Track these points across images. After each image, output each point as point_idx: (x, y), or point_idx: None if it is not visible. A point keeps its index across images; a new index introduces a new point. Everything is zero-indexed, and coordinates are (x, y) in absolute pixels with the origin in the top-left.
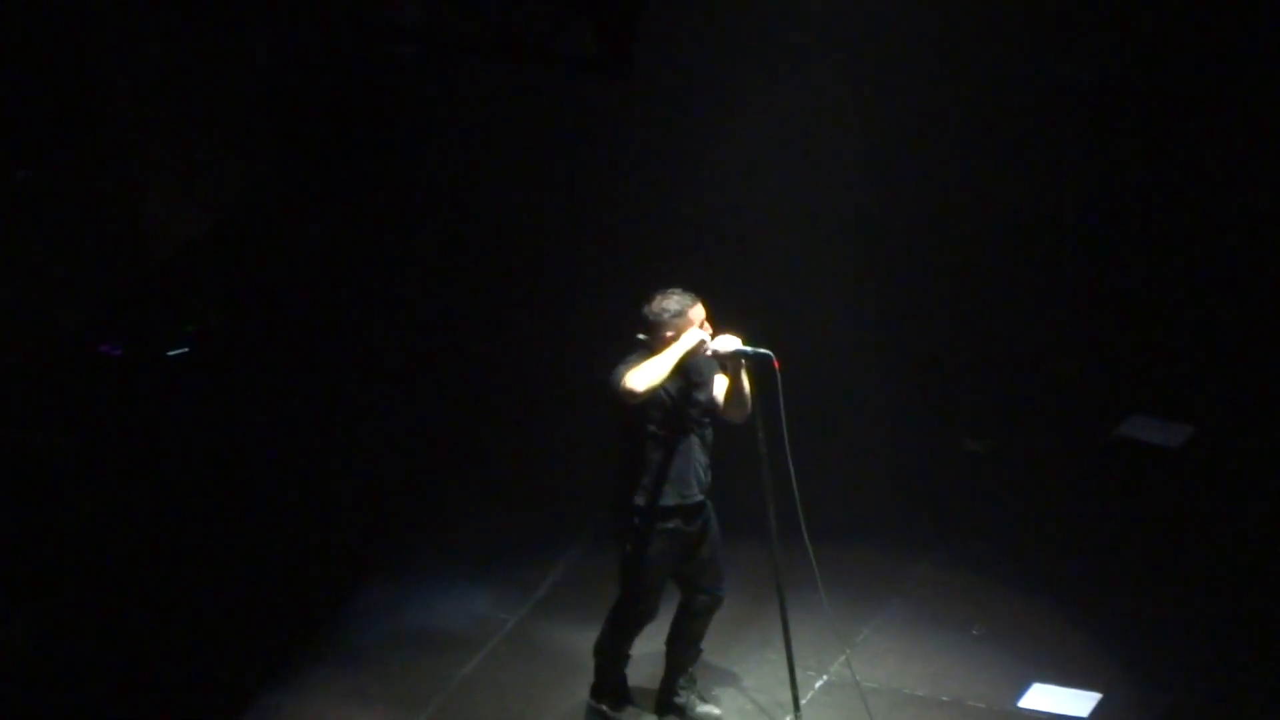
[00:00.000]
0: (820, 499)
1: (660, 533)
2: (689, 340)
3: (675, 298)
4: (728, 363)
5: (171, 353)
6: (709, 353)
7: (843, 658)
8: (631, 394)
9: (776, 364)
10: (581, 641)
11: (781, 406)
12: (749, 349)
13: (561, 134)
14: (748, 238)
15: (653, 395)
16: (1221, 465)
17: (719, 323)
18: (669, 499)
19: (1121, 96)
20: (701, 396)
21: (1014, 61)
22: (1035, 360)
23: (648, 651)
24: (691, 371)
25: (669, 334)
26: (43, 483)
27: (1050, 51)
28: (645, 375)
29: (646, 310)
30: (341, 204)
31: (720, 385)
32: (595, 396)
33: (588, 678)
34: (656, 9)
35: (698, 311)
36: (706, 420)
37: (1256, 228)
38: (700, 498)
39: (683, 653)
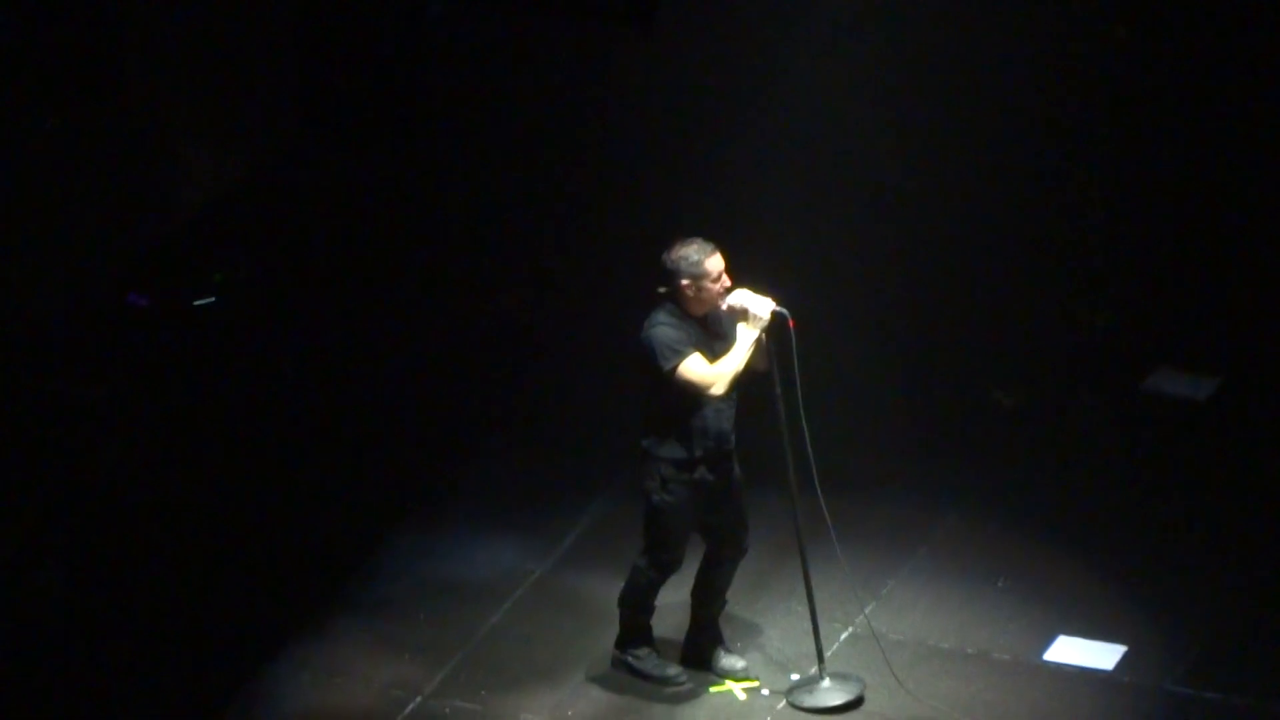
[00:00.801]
0: (847, 452)
1: (685, 484)
2: (759, 322)
3: (695, 246)
4: (747, 315)
5: (199, 302)
6: (725, 308)
7: (868, 609)
8: (714, 391)
9: (792, 323)
10: (607, 593)
11: (795, 363)
12: (780, 309)
13: (590, 87)
14: (773, 192)
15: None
16: (1249, 417)
17: (738, 274)
18: (695, 450)
19: (1153, 49)
20: (722, 347)
21: (1045, 16)
22: (1063, 312)
23: (672, 603)
24: (713, 323)
25: (686, 282)
26: (71, 431)
27: (1087, 6)
28: (726, 373)
29: (665, 258)
30: (370, 154)
31: (741, 334)
32: (623, 347)
33: (613, 629)
34: None
35: (716, 261)
36: None
37: None
38: (725, 449)
39: (708, 604)
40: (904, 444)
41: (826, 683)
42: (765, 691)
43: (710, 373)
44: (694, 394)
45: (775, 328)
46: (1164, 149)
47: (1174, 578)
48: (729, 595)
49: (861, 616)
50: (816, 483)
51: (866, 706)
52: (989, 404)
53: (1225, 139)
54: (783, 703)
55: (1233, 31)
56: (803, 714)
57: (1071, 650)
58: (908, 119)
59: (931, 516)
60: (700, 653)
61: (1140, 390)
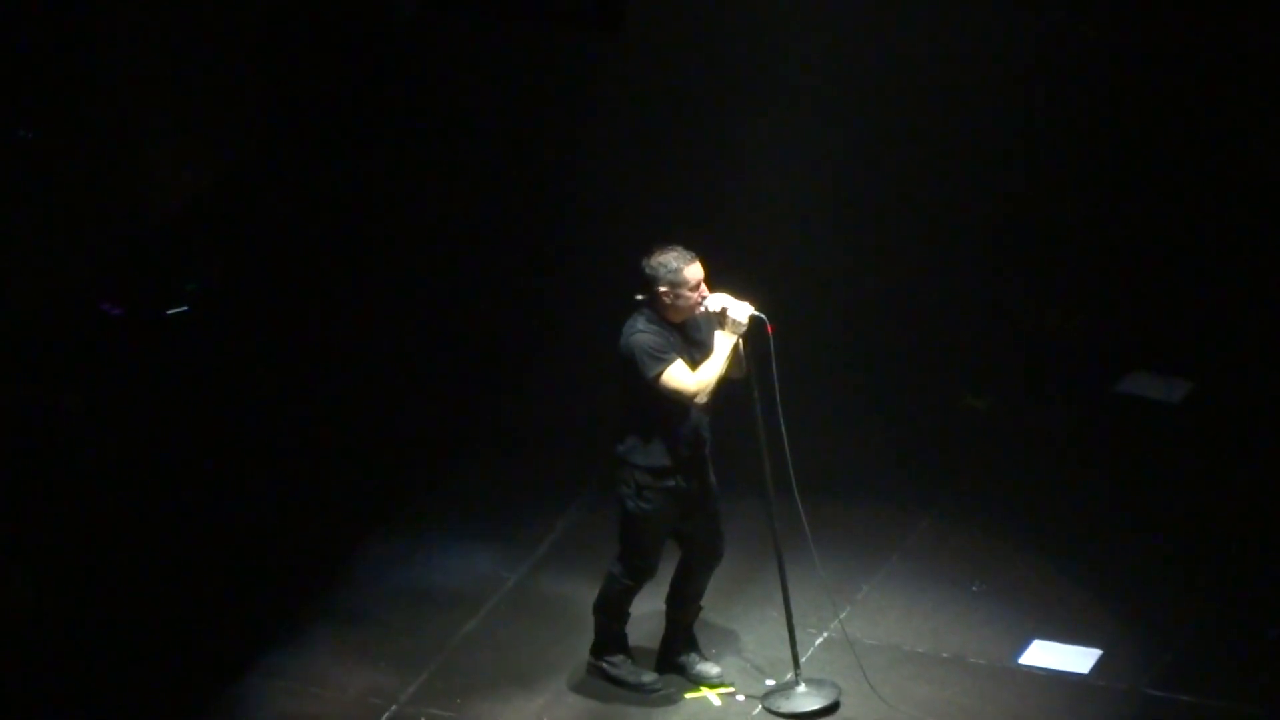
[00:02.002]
0: (820, 456)
1: (660, 491)
2: (737, 327)
3: (674, 253)
4: (725, 321)
5: (172, 311)
6: (703, 311)
7: (843, 615)
8: (696, 399)
9: (770, 328)
10: (582, 600)
11: (774, 368)
12: (758, 314)
13: (561, 93)
14: (745, 195)
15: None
16: (1222, 420)
17: (715, 281)
18: (669, 457)
19: (1124, 51)
20: (700, 354)
21: (1017, 13)
22: (1035, 315)
23: (648, 610)
24: (691, 329)
25: (664, 289)
26: (45, 439)
27: (1058, 9)
28: (708, 380)
29: (644, 264)
30: (341, 160)
31: (719, 340)
32: (598, 354)
33: (588, 636)
34: None
35: (695, 269)
36: None
37: (1259, 181)
38: (701, 456)
39: (682, 610)
40: (877, 449)
41: (802, 688)
42: (740, 697)
43: (693, 380)
44: (676, 401)
45: (753, 332)
46: (1136, 153)
47: (1148, 581)
48: (704, 601)
49: (836, 622)
50: (794, 488)
51: (842, 712)
52: (962, 408)
53: (1198, 143)
54: (758, 708)
55: (1206, 38)
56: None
57: (1046, 654)
58: (882, 123)
59: (905, 521)
60: (675, 659)
61: (1113, 393)
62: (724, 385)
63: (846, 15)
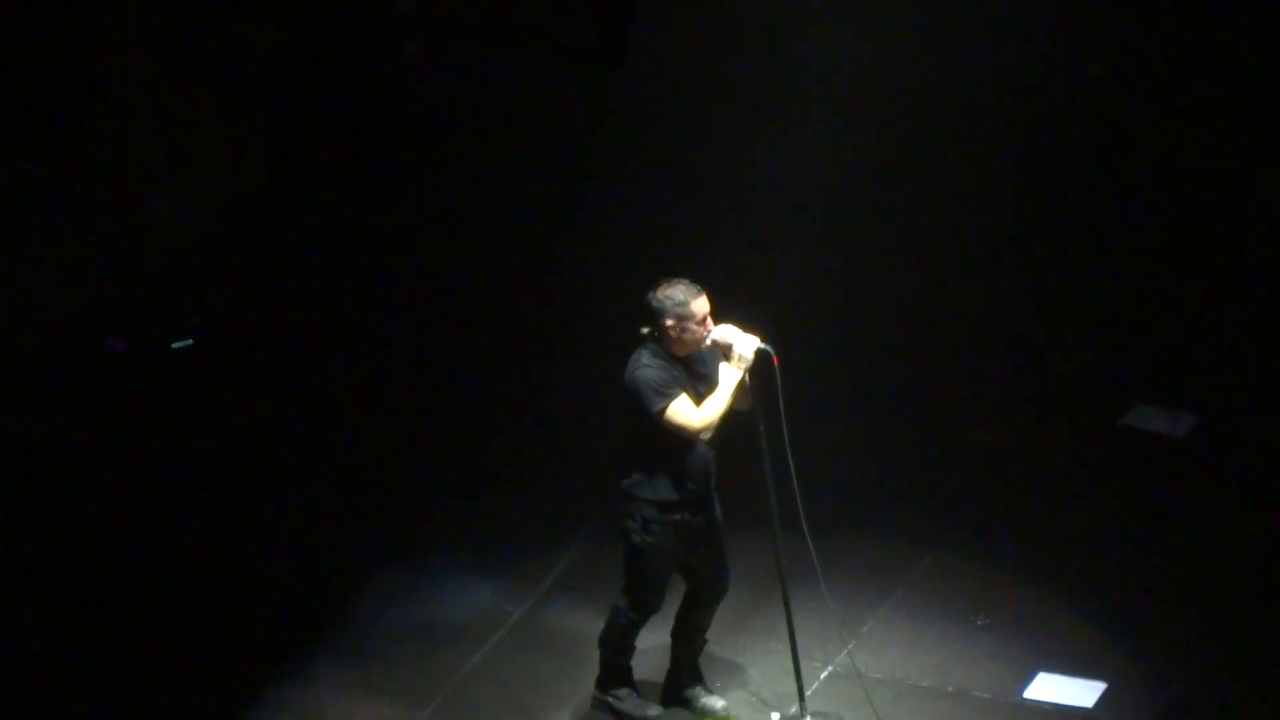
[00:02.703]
0: (826, 490)
1: (665, 524)
2: (743, 362)
3: (680, 287)
4: (731, 354)
5: (176, 345)
6: (709, 343)
7: (848, 648)
8: (701, 434)
9: (776, 360)
10: (587, 633)
11: (781, 401)
12: (764, 346)
13: (563, 123)
14: (749, 227)
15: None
16: (1227, 454)
17: (719, 314)
18: (675, 491)
19: (1128, 86)
20: (705, 388)
21: (1021, 52)
22: (1040, 349)
23: (653, 644)
24: (696, 363)
25: (670, 322)
26: (49, 475)
27: (1058, 43)
28: (713, 415)
29: (650, 298)
30: (345, 195)
31: (725, 374)
32: (602, 389)
33: (593, 670)
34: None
35: (701, 303)
36: None
37: (1262, 216)
38: (706, 490)
39: (688, 644)
40: (883, 482)
41: None
42: None
43: (698, 415)
44: (681, 436)
45: (759, 365)
46: (1140, 185)
47: (1154, 615)
48: (709, 635)
49: (842, 655)
50: (803, 521)
51: None
52: (967, 442)
53: (1205, 177)
54: None
55: (1207, 72)
56: None
57: (1051, 687)
58: (885, 156)
59: (911, 554)
60: (681, 693)
61: (1118, 427)
62: (730, 418)
63: (848, 48)
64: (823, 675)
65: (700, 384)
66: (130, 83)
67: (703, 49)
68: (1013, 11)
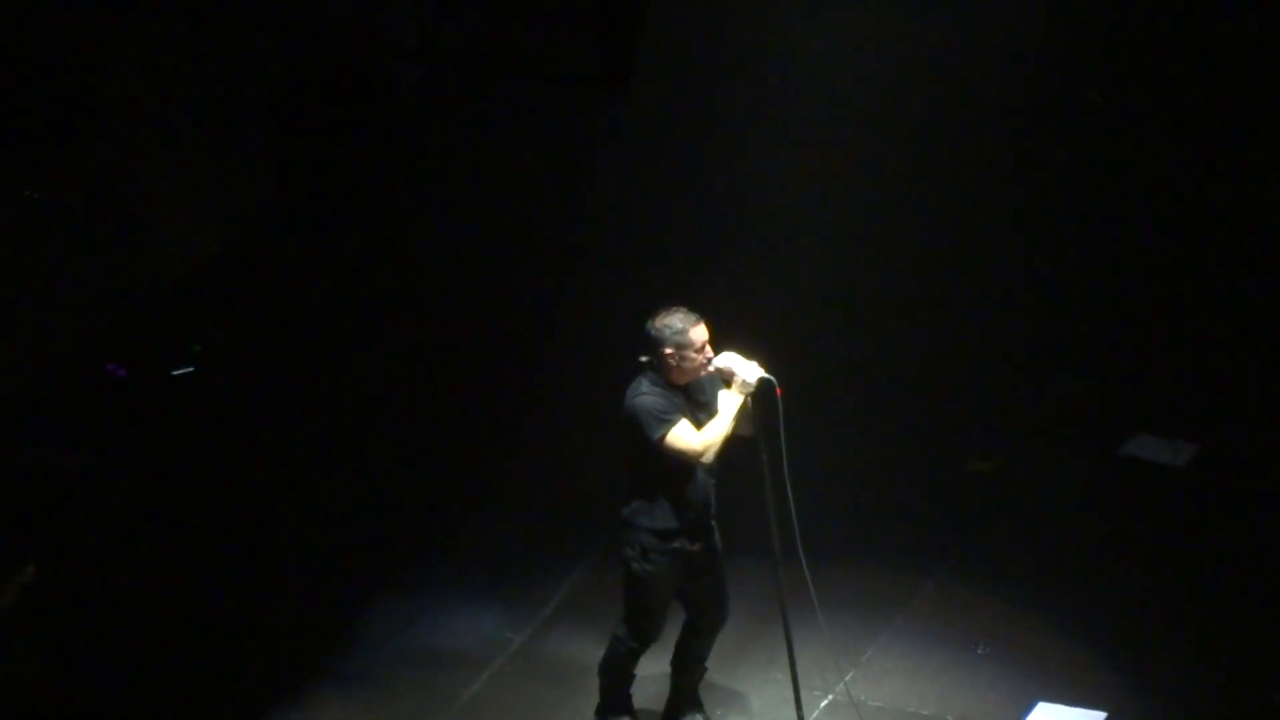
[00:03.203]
0: (826, 518)
1: (666, 553)
2: (745, 388)
3: (679, 315)
4: (733, 380)
5: (177, 372)
6: (712, 369)
7: (848, 677)
8: (703, 458)
9: (779, 390)
10: (587, 661)
11: (782, 431)
12: (767, 375)
13: (565, 150)
14: (749, 256)
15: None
16: (1227, 484)
17: (720, 340)
18: (675, 519)
19: (1127, 113)
20: (705, 416)
21: (1024, 80)
22: (1040, 379)
23: (653, 672)
24: (695, 390)
25: (669, 351)
26: (50, 501)
27: (1062, 72)
28: (714, 441)
29: (649, 327)
30: (347, 221)
31: (726, 400)
32: (603, 416)
33: (593, 698)
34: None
35: (700, 331)
36: None
37: (1263, 247)
38: (706, 518)
39: (688, 672)
40: (883, 510)
41: None
42: None
43: (698, 441)
44: (682, 461)
45: (762, 394)
46: (1142, 214)
47: (1154, 643)
48: (709, 663)
49: (841, 684)
50: (801, 550)
51: None
52: (967, 471)
53: (1201, 205)
54: None
55: (1207, 100)
56: None
57: (1051, 717)
58: (887, 183)
59: (911, 583)
60: None
61: (1119, 456)
62: (731, 443)
63: (851, 77)
64: (822, 704)
65: (700, 412)
66: (131, 110)
67: (704, 75)
68: (1012, 39)
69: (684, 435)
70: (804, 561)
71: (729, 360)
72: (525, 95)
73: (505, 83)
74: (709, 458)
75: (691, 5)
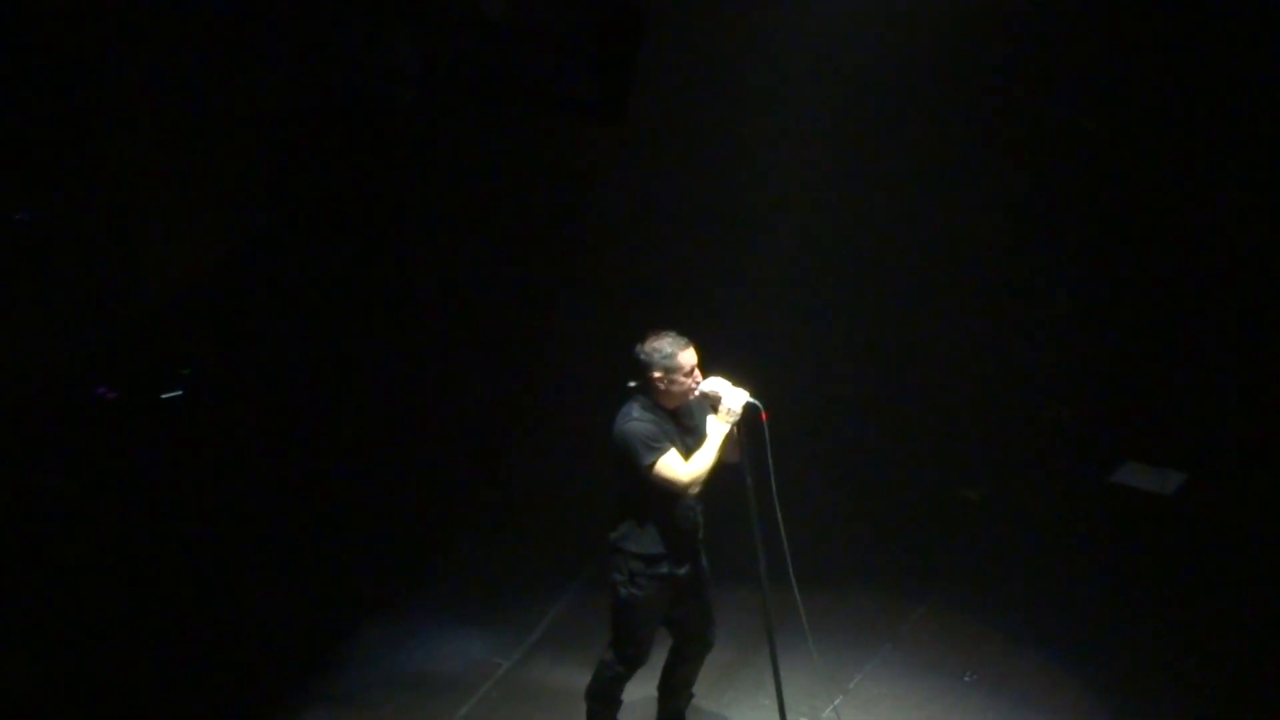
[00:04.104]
0: (814, 545)
1: (653, 578)
2: (731, 416)
3: (668, 339)
4: (718, 404)
5: (166, 395)
6: (698, 394)
7: (835, 703)
8: (689, 489)
9: (764, 415)
10: (575, 686)
11: (769, 455)
12: (753, 401)
13: (558, 176)
14: (741, 283)
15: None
16: (1215, 512)
17: (709, 365)
18: (662, 544)
19: (1123, 143)
20: (693, 440)
21: (1015, 108)
22: (1030, 408)
23: (639, 697)
24: (683, 415)
25: (658, 375)
26: (39, 524)
27: (1054, 98)
28: (701, 470)
29: (638, 351)
30: (339, 246)
31: (712, 428)
32: (592, 441)
33: None
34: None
35: (689, 355)
36: None
37: (1252, 277)
38: (693, 543)
39: (674, 698)
40: (871, 537)
41: None
42: None
43: (685, 470)
44: (669, 490)
45: (748, 419)
46: (1131, 244)
47: (1141, 672)
48: (696, 688)
49: (829, 711)
50: (792, 575)
51: None
52: (956, 499)
53: (1194, 238)
54: None
55: (1202, 132)
56: None
57: None
58: (878, 212)
59: (899, 610)
60: None
61: (1107, 485)
62: (718, 471)
63: (845, 102)
64: None
65: (688, 436)
66: (123, 132)
67: (697, 103)
68: (1006, 68)
69: (672, 465)
70: (795, 587)
71: (716, 385)
72: (521, 121)
73: (503, 110)
74: (695, 486)
75: (685, 36)
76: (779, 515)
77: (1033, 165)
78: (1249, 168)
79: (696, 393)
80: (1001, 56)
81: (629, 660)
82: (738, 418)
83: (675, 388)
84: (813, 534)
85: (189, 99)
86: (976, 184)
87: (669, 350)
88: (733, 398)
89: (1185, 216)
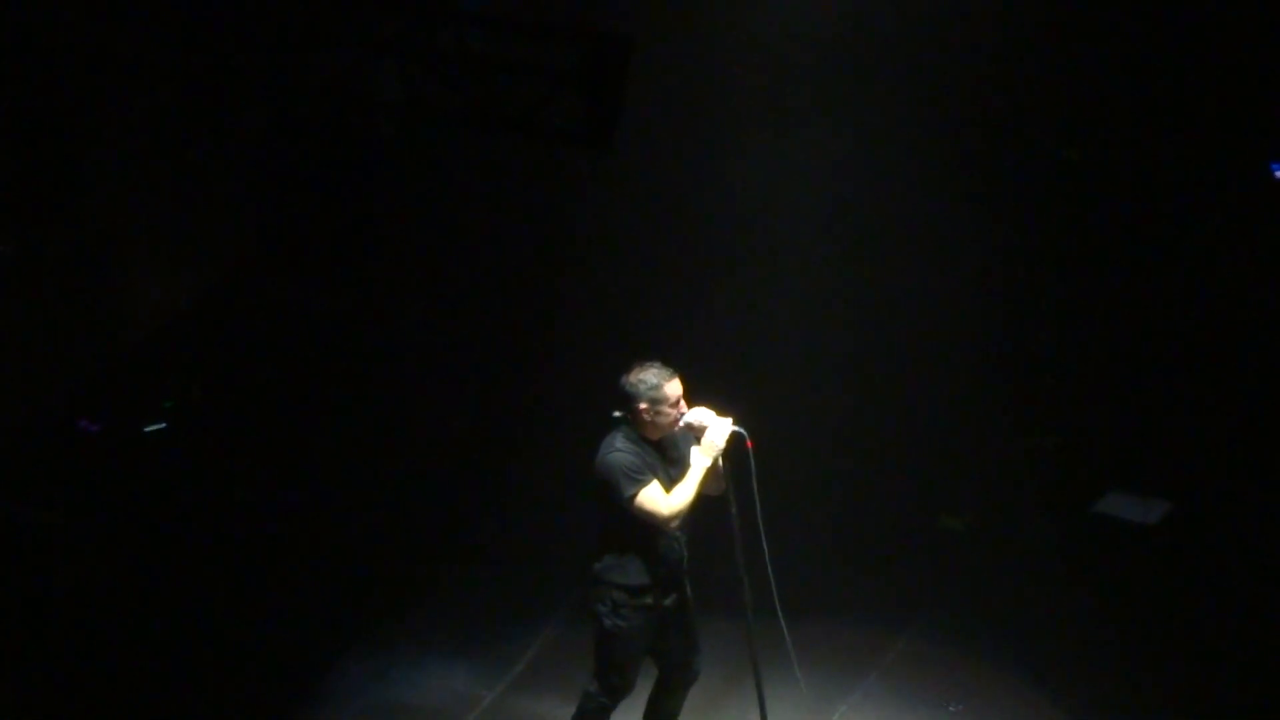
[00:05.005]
0: (798, 575)
1: (637, 609)
2: (713, 449)
3: (653, 371)
4: (702, 436)
5: (149, 428)
6: (682, 425)
7: None
8: (670, 523)
9: (749, 443)
10: (558, 718)
11: (754, 483)
12: (738, 429)
13: (545, 205)
14: (727, 312)
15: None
16: (1199, 541)
17: (694, 396)
18: (646, 575)
19: (1103, 172)
20: (677, 472)
21: (998, 138)
22: (1013, 436)
23: None
24: (668, 446)
25: (644, 406)
26: (22, 556)
27: (1035, 128)
28: (682, 503)
29: (624, 382)
30: (323, 277)
31: (695, 461)
32: (576, 471)
33: None
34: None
35: (675, 386)
36: None
37: (1236, 305)
38: (678, 573)
39: None
40: (856, 567)
41: None
42: None
43: (666, 503)
44: (651, 522)
45: (733, 448)
46: (1115, 272)
47: (1126, 700)
48: (680, 719)
49: None
50: (778, 605)
51: None
52: (939, 527)
53: (1175, 263)
54: None
55: (1180, 157)
56: None
57: None
58: (862, 242)
59: (883, 640)
60: None
61: (1091, 514)
62: (702, 501)
63: (828, 139)
64: None
65: (672, 468)
66: (106, 164)
67: (686, 134)
68: (988, 99)
69: (654, 497)
70: (781, 616)
71: (701, 416)
72: (506, 150)
73: (489, 138)
74: (676, 522)
75: (670, 64)
76: (764, 544)
77: (1014, 194)
78: (1230, 196)
79: (681, 424)
80: (979, 91)
81: (613, 691)
82: (720, 450)
83: (660, 419)
84: (797, 563)
85: (170, 130)
86: (958, 215)
87: (654, 381)
88: (717, 430)
89: (1168, 245)
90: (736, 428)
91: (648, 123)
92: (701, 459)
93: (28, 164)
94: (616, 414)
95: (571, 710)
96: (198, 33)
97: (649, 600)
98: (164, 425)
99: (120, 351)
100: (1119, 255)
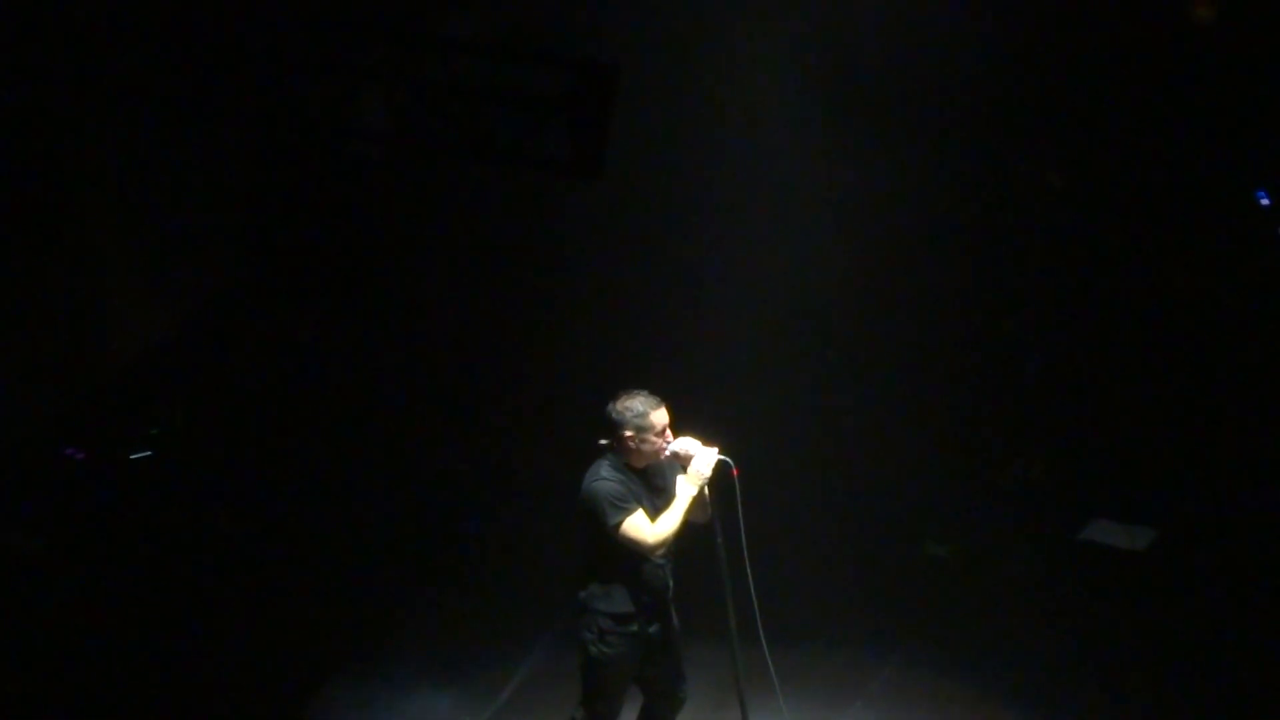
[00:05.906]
0: (784, 603)
1: (623, 636)
2: (699, 478)
3: (640, 399)
4: (688, 464)
5: (135, 456)
6: (668, 454)
7: None
8: (655, 551)
9: (735, 471)
10: None
11: (740, 511)
12: (723, 457)
13: (531, 232)
14: (714, 341)
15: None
16: (1185, 568)
17: (681, 425)
18: (632, 603)
19: (1088, 197)
20: (662, 500)
21: (982, 163)
22: (998, 464)
23: None
24: (653, 475)
25: (629, 434)
26: (6, 583)
27: (1020, 154)
28: (666, 532)
29: (610, 410)
30: (308, 304)
31: (681, 489)
32: (561, 499)
33: None
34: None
35: (660, 415)
36: None
37: (1220, 332)
38: (663, 601)
39: None
40: (841, 595)
41: None
42: None
43: (651, 532)
44: (636, 551)
45: (718, 476)
46: (1099, 297)
47: None
48: None
49: None
50: (761, 633)
51: None
52: (925, 554)
53: (1158, 288)
54: None
55: (1164, 182)
56: None
57: None
58: (851, 273)
59: (868, 668)
60: None
61: (1077, 541)
62: (688, 529)
63: (818, 167)
64: None
65: (658, 496)
66: (89, 193)
67: (670, 161)
68: (968, 126)
69: (638, 526)
70: (765, 645)
71: (687, 445)
72: (493, 179)
73: (477, 167)
74: (661, 550)
75: (659, 93)
76: (749, 572)
77: (997, 220)
78: (1215, 223)
79: (667, 452)
80: (964, 118)
81: (598, 718)
82: (706, 479)
83: (646, 447)
84: (782, 591)
85: (156, 158)
86: (941, 240)
87: (641, 409)
88: (703, 459)
89: (1152, 272)
90: (722, 456)
91: (634, 149)
92: (687, 488)
93: (12, 193)
94: (602, 442)
95: None
96: (185, 60)
97: (634, 628)
98: (149, 453)
99: (106, 379)
100: (1105, 281)
